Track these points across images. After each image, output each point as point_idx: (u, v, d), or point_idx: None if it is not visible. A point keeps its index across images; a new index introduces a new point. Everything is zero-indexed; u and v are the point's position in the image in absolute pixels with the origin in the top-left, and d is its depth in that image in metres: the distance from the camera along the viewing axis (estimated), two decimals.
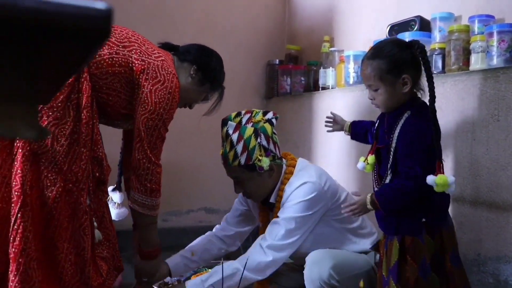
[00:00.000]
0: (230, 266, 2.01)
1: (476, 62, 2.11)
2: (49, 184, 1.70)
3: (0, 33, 0.34)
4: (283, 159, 2.18)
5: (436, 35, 2.36)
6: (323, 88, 3.22)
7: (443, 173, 1.64)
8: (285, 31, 4.05)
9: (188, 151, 3.68)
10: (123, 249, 2.70)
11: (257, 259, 2.00)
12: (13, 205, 1.64)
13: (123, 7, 3.19)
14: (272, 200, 2.15)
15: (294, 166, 2.16)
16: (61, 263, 1.72)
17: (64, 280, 1.73)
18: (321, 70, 3.24)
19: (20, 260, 1.62)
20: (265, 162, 2.04)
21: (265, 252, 2.01)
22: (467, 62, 2.18)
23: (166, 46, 2.14)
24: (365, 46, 2.89)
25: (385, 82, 1.73)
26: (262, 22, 3.95)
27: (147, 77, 1.85)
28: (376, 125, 1.92)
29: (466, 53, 2.18)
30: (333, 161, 3.04)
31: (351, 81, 2.87)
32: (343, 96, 2.98)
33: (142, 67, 1.85)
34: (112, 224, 1.95)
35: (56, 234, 1.71)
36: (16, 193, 1.64)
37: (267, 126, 2.09)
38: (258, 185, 2.11)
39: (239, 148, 2.04)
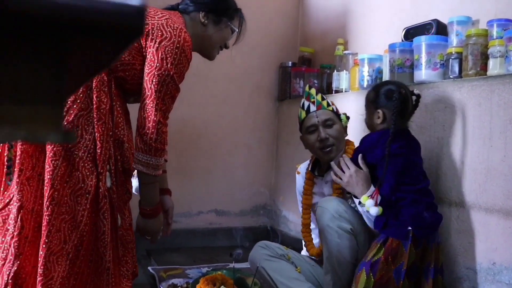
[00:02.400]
0: None
1: (494, 67, 2.08)
2: (88, 173, 1.73)
3: (31, 30, 0.32)
4: None
5: (453, 39, 2.33)
6: (337, 91, 3.20)
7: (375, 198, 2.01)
8: (299, 34, 4.04)
9: (199, 154, 3.67)
10: None
11: None
12: (41, 201, 1.70)
13: None
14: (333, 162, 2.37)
15: (353, 145, 2.45)
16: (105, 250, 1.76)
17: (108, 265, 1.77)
18: (335, 73, 3.22)
19: (41, 253, 1.66)
20: (346, 120, 2.45)
21: None
22: (484, 67, 2.14)
23: (167, 9, 2.11)
24: (380, 49, 2.87)
25: (368, 108, 2.22)
26: (276, 24, 3.94)
27: (152, 37, 1.82)
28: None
29: (484, 57, 2.15)
30: None
31: (365, 84, 2.85)
32: (357, 99, 2.95)
33: (147, 30, 1.82)
34: (131, 228, 1.93)
35: (104, 222, 1.75)
36: (45, 187, 1.68)
37: None
38: (341, 132, 2.40)
39: (329, 101, 2.44)
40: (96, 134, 1.74)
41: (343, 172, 2.16)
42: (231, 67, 3.74)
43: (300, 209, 2.58)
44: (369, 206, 1.99)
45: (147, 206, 2.01)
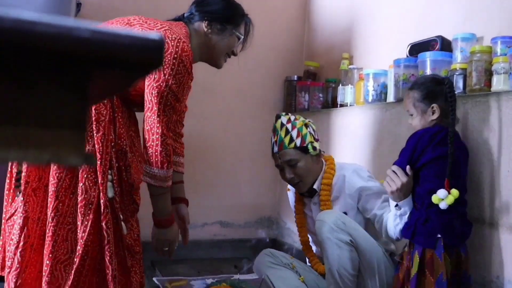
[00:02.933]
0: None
1: (498, 83, 2.10)
2: (91, 184, 1.76)
3: (56, 62, 0.34)
4: None
5: (458, 55, 2.35)
6: (341, 105, 3.22)
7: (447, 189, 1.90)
8: (304, 48, 4.07)
9: (204, 166, 3.69)
10: None
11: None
12: (49, 210, 1.73)
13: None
14: (315, 186, 2.44)
15: (332, 159, 2.51)
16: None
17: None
18: (340, 87, 3.24)
19: (48, 262, 1.70)
20: (317, 145, 2.41)
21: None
22: (488, 83, 2.16)
23: (174, 19, 2.13)
24: (385, 64, 2.89)
25: (417, 109, 2.09)
26: (282, 38, 3.97)
27: None
28: None
29: (488, 74, 2.17)
30: None
31: (370, 99, 2.87)
32: (362, 113, 2.98)
33: None
34: (139, 239, 1.95)
35: (111, 232, 1.79)
36: (49, 199, 1.73)
37: (311, 124, 2.47)
38: (308, 167, 2.39)
39: (294, 133, 2.37)
40: (96, 146, 1.76)
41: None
42: (237, 81, 3.77)
43: (296, 228, 2.64)
44: (441, 197, 1.90)
45: (160, 216, 2.04)
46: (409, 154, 2.05)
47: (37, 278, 1.75)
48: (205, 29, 2.06)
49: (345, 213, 2.37)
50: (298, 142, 2.35)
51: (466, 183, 2.05)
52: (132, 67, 0.36)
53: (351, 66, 3.26)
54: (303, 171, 2.38)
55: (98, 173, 1.77)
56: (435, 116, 2.05)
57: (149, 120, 1.83)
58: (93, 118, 1.78)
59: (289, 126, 2.39)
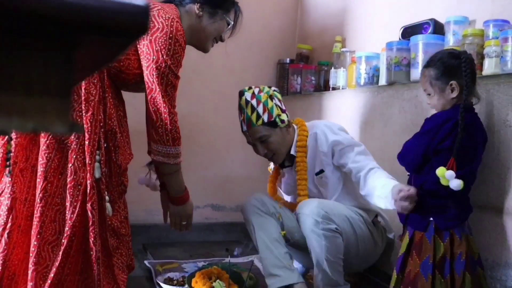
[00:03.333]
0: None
1: (490, 67, 2.10)
2: (80, 165, 1.75)
3: (40, 27, 0.34)
4: None
5: (450, 38, 2.35)
6: (334, 88, 3.22)
7: (453, 169, 1.81)
8: (297, 31, 4.05)
9: (195, 148, 3.68)
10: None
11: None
12: (37, 191, 1.72)
13: None
14: (292, 152, 2.45)
15: (303, 123, 2.50)
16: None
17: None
18: (332, 70, 3.24)
19: (35, 242, 1.70)
20: (285, 116, 2.38)
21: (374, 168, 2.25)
22: (480, 67, 2.16)
23: (165, 1, 2.12)
24: (377, 47, 2.89)
25: (435, 87, 1.96)
26: (274, 20, 3.95)
27: None
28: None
29: (480, 57, 2.17)
30: None
31: (362, 82, 2.87)
32: (354, 96, 2.98)
33: None
34: (127, 221, 1.95)
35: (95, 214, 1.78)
36: (38, 179, 1.71)
37: (276, 93, 2.44)
38: (280, 140, 2.39)
39: (260, 109, 2.34)
40: (85, 125, 1.76)
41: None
42: (229, 63, 3.75)
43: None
44: (449, 179, 1.80)
45: (176, 193, 2.09)
46: (428, 139, 1.93)
47: (24, 259, 1.75)
48: (197, 11, 2.06)
49: (322, 170, 2.40)
50: (265, 117, 2.34)
51: (477, 169, 1.96)
52: (118, 33, 0.36)
53: (343, 49, 3.25)
54: (275, 145, 2.39)
55: (86, 153, 1.76)
56: (455, 94, 1.93)
57: (155, 101, 1.88)
58: (83, 98, 1.76)
59: (254, 102, 2.36)
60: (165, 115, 1.88)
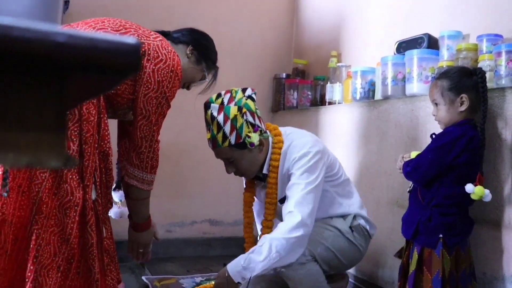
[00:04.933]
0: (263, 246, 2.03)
1: None
2: (76, 185, 1.73)
3: (32, 65, 0.35)
4: (268, 132, 2.27)
5: (444, 53, 2.37)
6: (330, 103, 3.23)
7: (481, 183, 1.86)
8: (293, 46, 4.07)
9: (193, 163, 3.69)
10: (124, 259, 2.71)
11: (286, 224, 2.05)
12: (30, 212, 1.67)
13: (134, 17, 3.22)
14: (264, 171, 2.24)
15: (280, 135, 2.25)
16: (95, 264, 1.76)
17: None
18: (328, 85, 3.25)
19: (31, 267, 1.65)
20: (255, 137, 2.11)
21: (293, 212, 2.07)
22: None
23: (159, 33, 2.14)
24: (372, 62, 2.91)
25: (445, 98, 1.96)
26: (270, 35, 3.98)
27: (148, 57, 1.87)
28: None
29: None
30: None
31: (358, 97, 2.88)
32: (350, 111, 2.99)
33: (143, 49, 1.87)
34: (112, 237, 1.95)
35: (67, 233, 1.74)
36: (32, 200, 1.67)
37: (250, 102, 2.14)
38: (250, 161, 2.18)
39: (227, 128, 2.09)
40: (84, 146, 1.76)
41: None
42: (225, 77, 3.75)
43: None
44: (484, 195, 1.85)
45: (140, 220, 2.07)
46: (443, 154, 1.93)
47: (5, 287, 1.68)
48: (188, 52, 2.12)
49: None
50: (233, 139, 2.09)
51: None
52: (109, 72, 0.37)
53: (339, 64, 3.27)
54: (244, 166, 2.19)
55: (84, 174, 1.75)
56: (464, 107, 1.95)
57: (144, 128, 1.90)
58: (83, 117, 1.76)
59: (220, 118, 2.09)
60: (151, 143, 1.92)
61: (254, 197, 2.42)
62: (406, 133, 2.51)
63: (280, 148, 2.21)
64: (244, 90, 2.18)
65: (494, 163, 2.01)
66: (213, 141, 2.14)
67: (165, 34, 2.14)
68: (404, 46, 2.63)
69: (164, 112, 1.94)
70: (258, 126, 2.15)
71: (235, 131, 2.08)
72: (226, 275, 2.06)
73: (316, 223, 2.20)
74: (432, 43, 2.50)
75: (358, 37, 3.28)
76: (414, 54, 2.44)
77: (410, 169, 2.01)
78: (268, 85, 3.94)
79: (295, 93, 3.63)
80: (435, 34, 2.49)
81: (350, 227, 2.29)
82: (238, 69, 3.82)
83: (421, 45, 2.52)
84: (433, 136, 2.04)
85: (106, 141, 1.86)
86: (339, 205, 2.32)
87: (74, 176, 1.74)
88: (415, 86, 2.43)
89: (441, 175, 1.94)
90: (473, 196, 1.85)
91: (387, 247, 2.59)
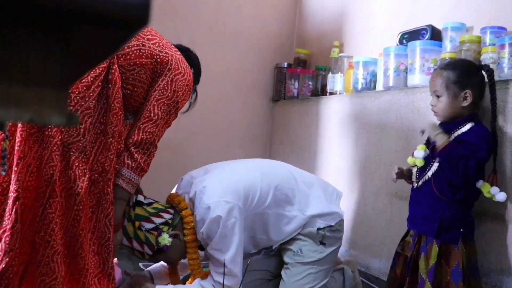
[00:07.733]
0: None
1: None
2: (81, 174, 1.73)
3: (38, 17, 0.34)
4: (172, 209, 2.14)
5: (447, 44, 2.36)
6: (331, 93, 3.22)
7: (495, 183, 1.89)
8: (295, 35, 4.06)
9: (193, 151, 3.68)
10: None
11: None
12: (41, 194, 1.64)
13: None
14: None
15: (188, 208, 2.13)
16: (84, 254, 1.74)
17: (86, 271, 1.75)
18: (330, 75, 3.24)
19: (44, 251, 1.63)
20: (164, 239, 2.04)
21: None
22: None
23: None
24: (375, 53, 2.90)
25: (449, 91, 1.92)
26: (272, 25, 3.96)
27: (170, 67, 1.94)
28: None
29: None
30: (337, 166, 3.04)
31: (359, 87, 2.87)
32: (351, 101, 2.98)
33: (166, 59, 1.93)
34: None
35: (81, 225, 1.73)
36: (45, 182, 1.64)
37: (138, 210, 2.05)
38: (175, 254, 2.13)
39: (137, 246, 2.04)
40: (111, 139, 1.80)
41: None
42: (227, 66, 3.75)
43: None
44: (495, 194, 1.87)
45: (114, 221, 2.04)
46: (487, 155, 1.90)
47: (17, 271, 1.64)
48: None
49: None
50: (149, 251, 2.05)
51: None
52: (118, 25, 0.36)
53: (341, 54, 3.26)
54: (173, 260, 2.20)
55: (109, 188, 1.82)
56: (466, 103, 1.91)
57: (150, 130, 1.92)
58: (112, 112, 1.81)
59: (125, 241, 2.03)
60: (150, 146, 1.93)
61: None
62: (407, 125, 2.50)
63: (191, 225, 2.10)
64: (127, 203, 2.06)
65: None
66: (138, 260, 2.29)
67: (182, 49, 2.16)
68: (406, 37, 2.62)
69: (170, 121, 2.00)
70: (161, 224, 2.06)
71: (145, 245, 2.03)
72: None
73: (291, 273, 2.19)
74: (435, 35, 2.49)
75: (361, 28, 3.27)
76: (417, 45, 2.43)
77: (461, 181, 1.88)
78: (269, 75, 3.93)
79: (296, 83, 3.62)
80: (439, 26, 2.48)
81: (321, 242, 2.23)
82: (240, 57, 3.80)
83: (424, 37, 2.51)
84: (423, 133, 2.00)
85: (122, 138, 1.88)
86: (288, 220, 2.20)
87: (80, 165, 1.73)
88: (417, 78, 2.42)
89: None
90: (486, 194, 1.88)
91: (385, 237, 2.59)
